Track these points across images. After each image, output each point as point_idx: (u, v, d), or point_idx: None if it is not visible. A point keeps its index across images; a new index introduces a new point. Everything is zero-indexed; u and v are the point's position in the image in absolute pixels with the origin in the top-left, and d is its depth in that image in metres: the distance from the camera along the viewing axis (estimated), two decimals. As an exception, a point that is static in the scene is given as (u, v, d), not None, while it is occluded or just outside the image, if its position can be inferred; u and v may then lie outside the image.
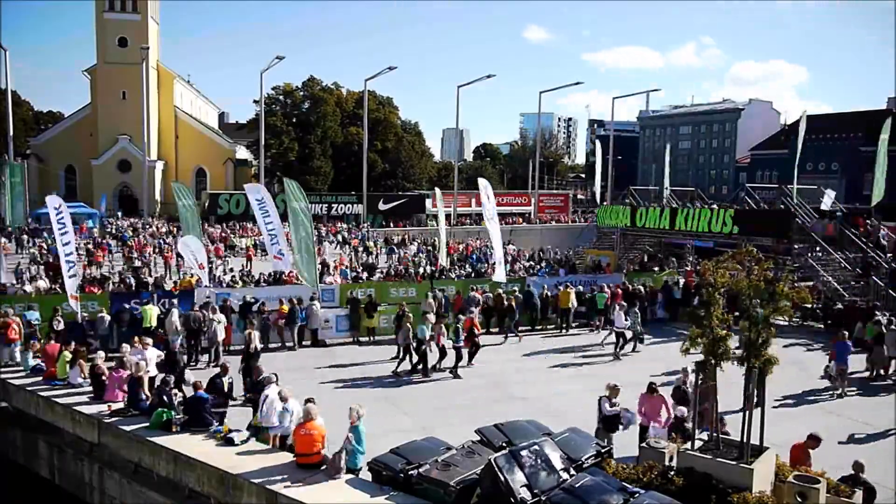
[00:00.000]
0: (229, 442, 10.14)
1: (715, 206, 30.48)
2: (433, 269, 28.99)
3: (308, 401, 9.65)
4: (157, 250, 35.15)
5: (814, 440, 9.24)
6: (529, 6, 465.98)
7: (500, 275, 21.23)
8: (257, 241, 38.55)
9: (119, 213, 56.87)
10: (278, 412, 10.00)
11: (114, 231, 43.13)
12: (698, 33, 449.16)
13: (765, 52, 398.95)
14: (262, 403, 10.22)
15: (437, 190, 26.04)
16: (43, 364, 13.92)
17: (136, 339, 14.18)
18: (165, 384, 11.34)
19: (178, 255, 33.56)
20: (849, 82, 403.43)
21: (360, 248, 39.55)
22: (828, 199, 28.20)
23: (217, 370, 12.44)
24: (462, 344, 16.25)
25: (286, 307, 18.44)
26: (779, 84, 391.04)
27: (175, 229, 40.73)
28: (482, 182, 21.99)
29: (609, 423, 10.60)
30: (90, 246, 34.73)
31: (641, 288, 22.77)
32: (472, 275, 28.47)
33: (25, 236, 37.56)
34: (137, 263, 29.75)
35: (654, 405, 10.76)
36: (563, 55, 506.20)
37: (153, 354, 13.83)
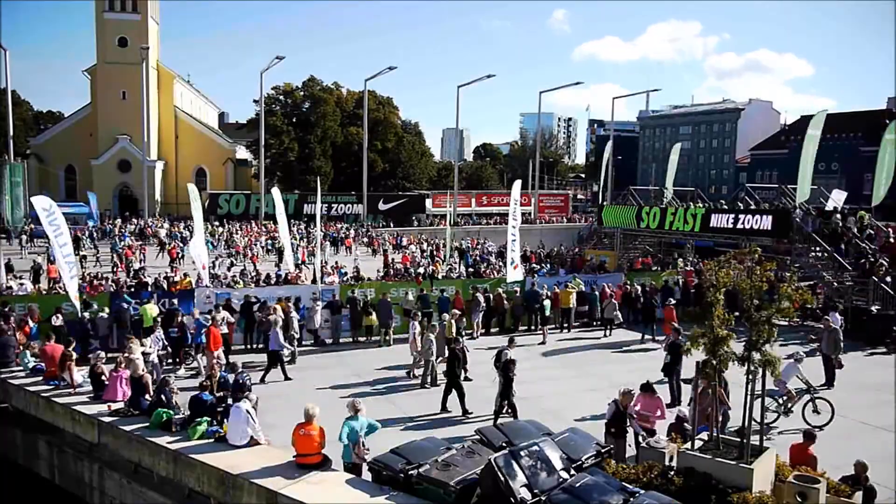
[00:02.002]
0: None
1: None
2: (433, 269, 28.99)
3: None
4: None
5: (809, 438, 9.21)
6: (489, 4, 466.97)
7: (516, 275, 21.42)
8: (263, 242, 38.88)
9: (110, 213, 56.86)
10: (246, 429, 9.88)
11: (115, 232, 43.14)
12: (679, 20, 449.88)
13: (748, 43, 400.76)
14: (230, 418, 10.01)
15: (450, 192, 26.40)
16: (43, 364, 13.90)
17: (131, 339, 14.18)
18: (164, 384, 11.34)
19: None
20: (850, 79, 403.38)
21: (360, 248, 39.66)
22: (833, 202, 28.05)
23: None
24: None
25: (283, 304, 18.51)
26: (770, 79, 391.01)
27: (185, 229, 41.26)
28: (516, 185, 23.59)
29: (621, 429, 10.43)
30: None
31: (638, 287, 22.80)
32: (472, 274, 28.51)
33: (24, 236, 37.44)
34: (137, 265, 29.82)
35: (649, 405, 10.75)
36: (536, 49, 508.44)
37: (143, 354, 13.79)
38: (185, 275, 25.59)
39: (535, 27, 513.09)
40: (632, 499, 7.52)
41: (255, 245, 39.03)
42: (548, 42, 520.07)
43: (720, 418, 9.05)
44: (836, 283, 22.62)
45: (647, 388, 10.90)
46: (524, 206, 69.19)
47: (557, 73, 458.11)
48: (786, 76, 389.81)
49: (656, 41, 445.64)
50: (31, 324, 15.97)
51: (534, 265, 32.19)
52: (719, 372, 8.68)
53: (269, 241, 40.22)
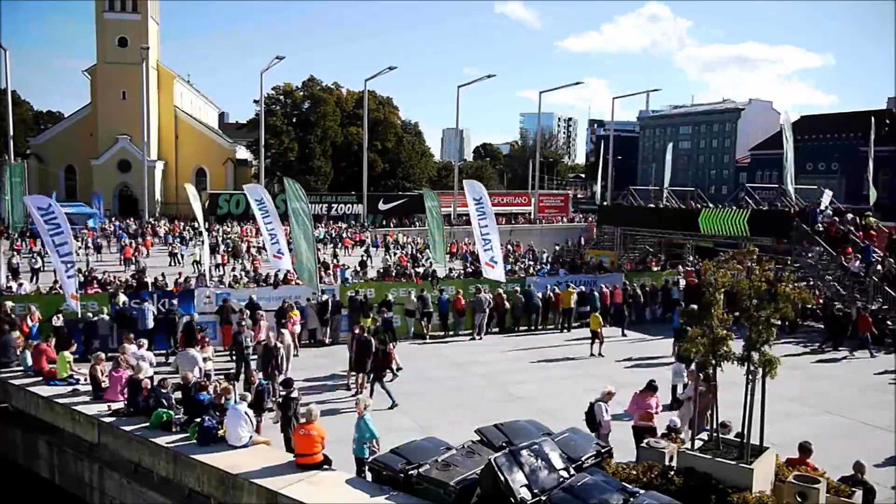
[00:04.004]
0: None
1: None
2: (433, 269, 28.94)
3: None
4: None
5: (805, 451, 9.14)
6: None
7: (498, 274, 21.26)
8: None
9: (110, 213, 56.80)
10: (244, 430, 9.88)
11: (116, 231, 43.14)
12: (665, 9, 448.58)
13: (735, 35, 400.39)
14: (228, 419, 10.01)
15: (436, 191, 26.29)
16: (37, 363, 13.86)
17: (133, 339, 14.18)
18: (162, 385, 11.33)
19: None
20: (851, 78, 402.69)
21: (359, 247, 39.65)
22: (825, 199, 28.16)
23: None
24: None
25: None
26: (767, 71, 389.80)
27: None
28: (467, 184, 21.98)
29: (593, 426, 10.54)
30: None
31: (635, 286, 22.80)
32: (472, 274, 28.46)
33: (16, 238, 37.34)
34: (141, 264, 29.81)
35: (648, 403, 10.76)
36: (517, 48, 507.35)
37: (151, 356, 13.81)
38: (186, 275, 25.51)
39: (507, 23, 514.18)
40: (632, 499, 7.52)
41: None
42: (527, 40, 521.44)
43: (719, 419, 9.03)
44: (836, 284, 22.61)
45: (650, 388, 10.95)
46: (524, 206, 69.38)
47: (545, 73, 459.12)
48: (781, 70, 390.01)
49: (628, 33, 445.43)
50: (30, 323, 15.96)
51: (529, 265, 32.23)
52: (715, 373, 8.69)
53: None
